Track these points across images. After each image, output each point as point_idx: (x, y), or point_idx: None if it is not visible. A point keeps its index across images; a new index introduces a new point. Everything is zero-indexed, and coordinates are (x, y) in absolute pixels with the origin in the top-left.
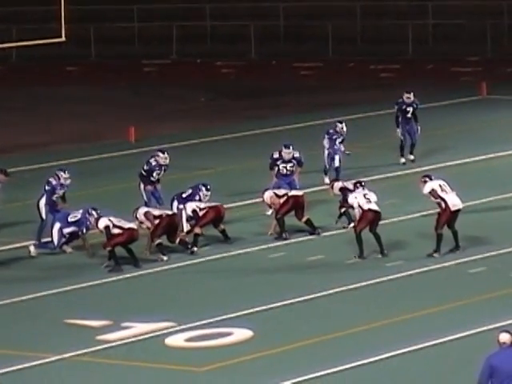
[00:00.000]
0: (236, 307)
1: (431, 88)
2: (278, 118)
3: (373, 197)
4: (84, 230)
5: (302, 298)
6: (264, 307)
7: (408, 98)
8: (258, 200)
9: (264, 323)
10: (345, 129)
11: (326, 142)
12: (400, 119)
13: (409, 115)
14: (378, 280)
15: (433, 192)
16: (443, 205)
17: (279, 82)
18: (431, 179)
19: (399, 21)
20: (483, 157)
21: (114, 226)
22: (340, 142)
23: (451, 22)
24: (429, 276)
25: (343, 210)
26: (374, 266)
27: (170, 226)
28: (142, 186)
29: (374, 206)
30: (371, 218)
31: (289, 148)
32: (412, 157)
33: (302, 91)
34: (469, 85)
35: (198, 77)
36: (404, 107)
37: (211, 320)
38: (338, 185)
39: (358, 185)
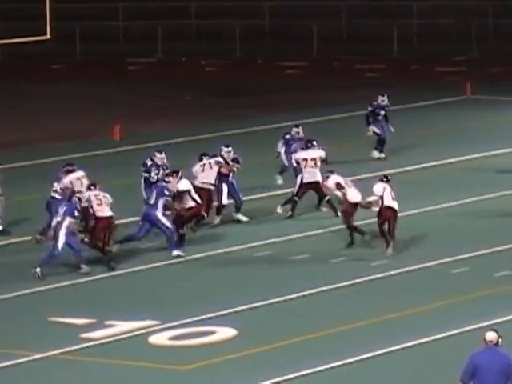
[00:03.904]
0: (220, 306)
1: (416, 88)
2: (263, 117)
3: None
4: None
5: (287, 297)
6: (248, 306)
7: (382, 100)
8: (244, 198)
9: (248, 322)
10: (301, 133)
11: (280, 147)
12: (370, 119)
13: (380, 117)
14: (362, 279)
15: (338, 185)
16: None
17: (264, 81)
18: (388, 180)
19: (384, 20)
20: (468, 157)
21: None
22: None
23: (436, 22)
24: (412, 276)
25: (327, 198)
26: (358, 265)
27: (105, 229)
28: (142, 185)
29: (394, 205)
30: (389, 215)
31: (228, 147)
32: (383, 155)
33: (287, 90)
34: (454, 85)
35: (183, 75)
36: (377, 110)
37: (195, 318)
38: (334, 178)
39: (385, 179)
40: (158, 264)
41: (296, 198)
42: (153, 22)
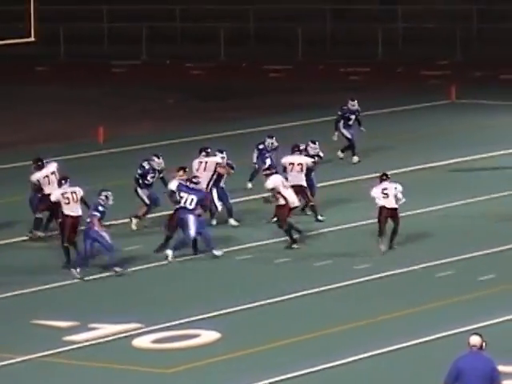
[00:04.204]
0: (203, 309)
1: (401, 91)
2: (248, 120)
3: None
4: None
5: (270, 301)
6: (232, 309)
7: (353, 105)
8: (230, 201)
9: (231, 325)
10: (275, 143)
11: (255, 157)
12: (341, 124)
13: (350, 122)
14: (346, 283)
15: (275, 188)
16: (283, 201)
17: (249, 84)
18: (388, 178)
19: (369, 24)
20: (452, 160)
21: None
22: (271, 156)
23: (421, 26)
24: (397, 279)
25: (311, 203)
26: (342, 268)
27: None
28: (139, 190)
29: (388, 203)
30: (386, 215)
31: (222, 153)
32: (342, 154)
33: (272, 93)
34: (438, 88)
35: (168, 78)
36: (347, 115)
37: (178, 322)
38: (274, 179)
39: (385, 177)
40: (141, 267)
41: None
42: (137, 24)
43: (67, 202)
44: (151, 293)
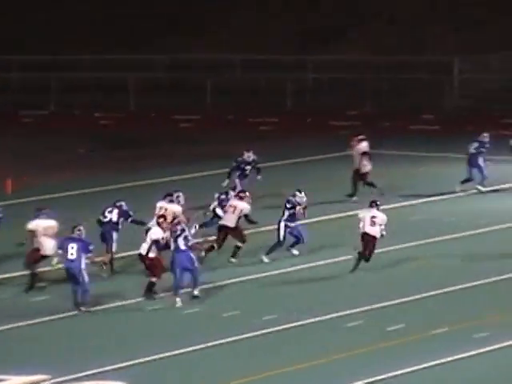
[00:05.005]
0: (111, 360)
1: (309, 141)
2: (157, 170)
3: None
4: None
5: (178, 352)
6: (140, 360)
7: (248, 156)
8: (135, 252)
9: (139, 376)
10: (231, 195)
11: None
12: (236, 174)
13: (246, 172)
14: (254, 333)
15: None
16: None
17: (158, 134)
18: (377, 205)
19: (278, 74)
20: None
21: None
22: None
23: (330, 76)
24: (306, 329)
25: (239, 244)
26: (250, 319)
27: None
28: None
29: (369, 230)
30: (368, 240)
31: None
32: None
33: (182, 143)
34: (347, 139)
35: (77, 128)
36: (243, 165)
37: (86, 373)
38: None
39: (374, 204)
40: (49, 318)
41: (215, 245)
42: (46, 74)
43: None
44: (58, 343)
